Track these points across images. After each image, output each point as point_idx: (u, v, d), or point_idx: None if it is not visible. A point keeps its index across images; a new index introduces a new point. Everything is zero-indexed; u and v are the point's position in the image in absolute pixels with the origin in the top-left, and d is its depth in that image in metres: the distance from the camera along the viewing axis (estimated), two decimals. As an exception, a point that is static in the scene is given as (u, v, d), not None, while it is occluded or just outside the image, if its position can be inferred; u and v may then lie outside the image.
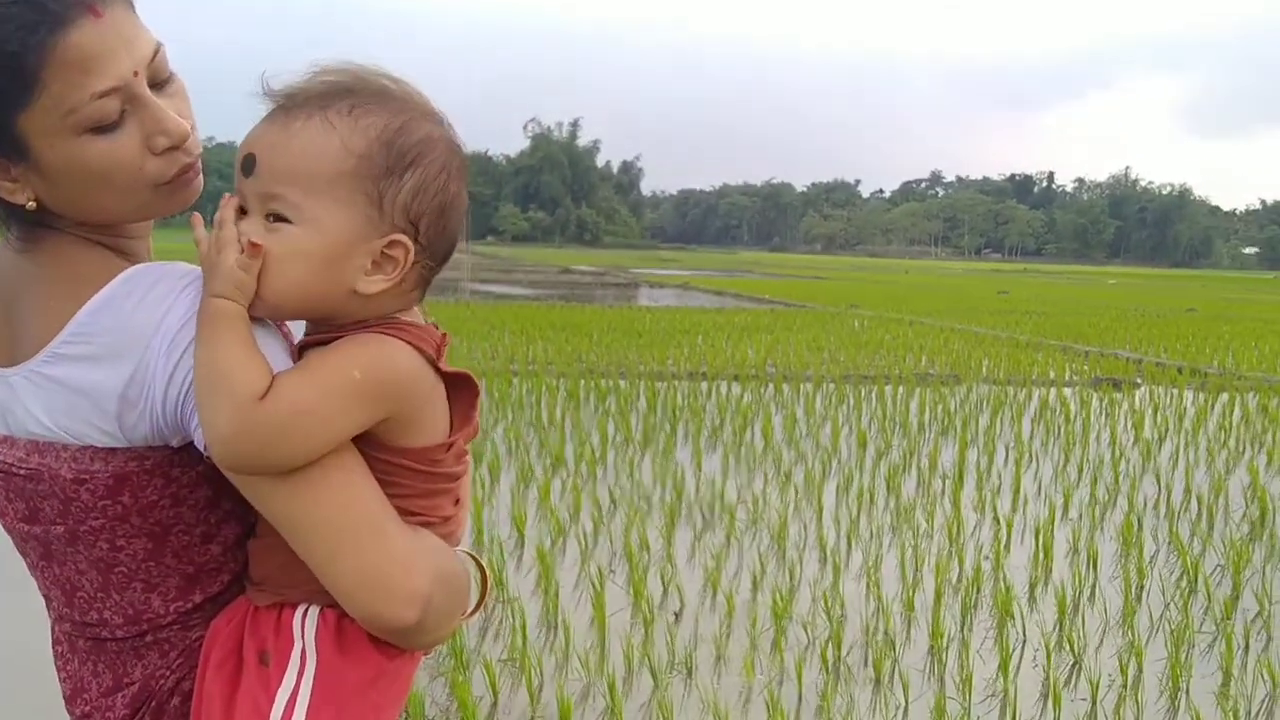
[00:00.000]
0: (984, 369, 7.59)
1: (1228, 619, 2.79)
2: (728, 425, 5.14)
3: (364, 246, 0.66)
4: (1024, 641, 2.61)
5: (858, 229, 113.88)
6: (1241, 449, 5.10)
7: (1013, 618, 2.72)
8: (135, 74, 0.63)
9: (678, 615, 2.73)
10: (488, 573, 0.82)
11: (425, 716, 2.09)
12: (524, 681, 2.25)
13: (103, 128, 0.63)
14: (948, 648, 2.54)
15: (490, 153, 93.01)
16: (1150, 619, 2.82)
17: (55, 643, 0.75)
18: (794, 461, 4.46)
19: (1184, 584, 3.10)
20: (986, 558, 3.24)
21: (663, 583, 2.94)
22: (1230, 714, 2.21)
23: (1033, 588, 3.05)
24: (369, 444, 0.66)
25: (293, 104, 0.65)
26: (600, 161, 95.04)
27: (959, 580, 3.04)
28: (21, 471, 0.67)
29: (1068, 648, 2.57)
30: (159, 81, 0.66)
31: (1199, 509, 3.95)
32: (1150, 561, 3.28)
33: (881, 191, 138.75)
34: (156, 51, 0.66)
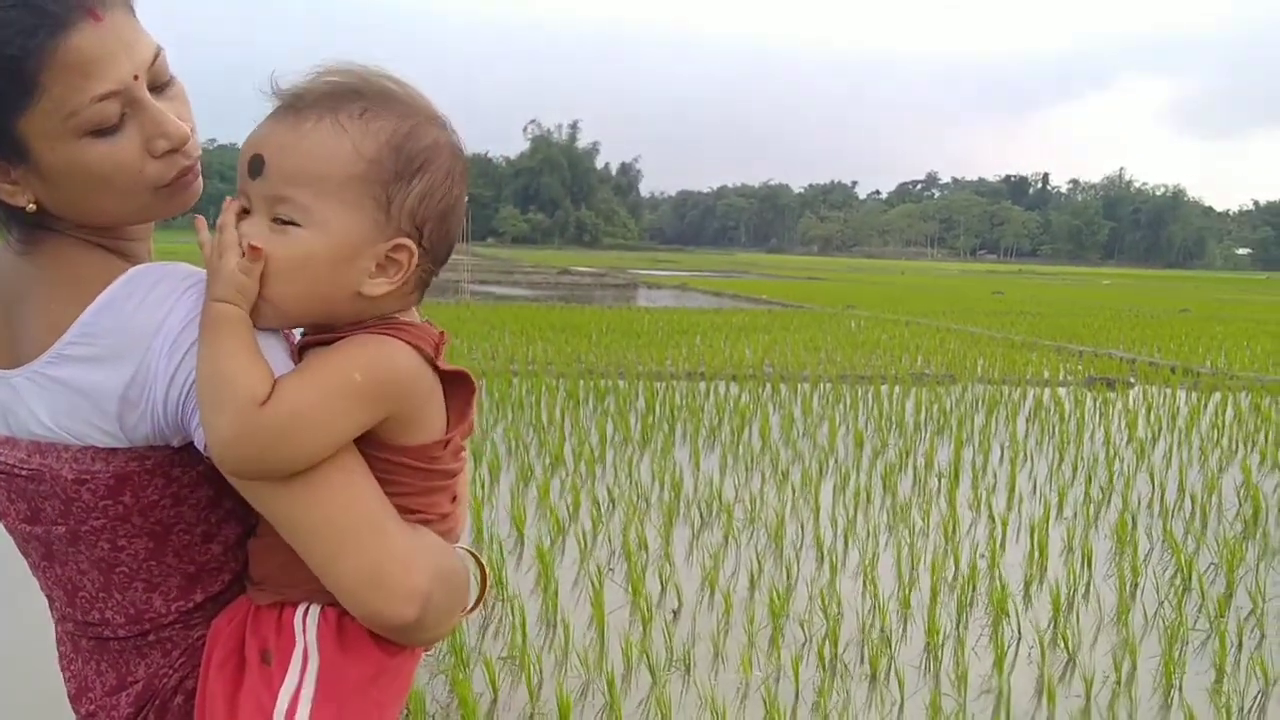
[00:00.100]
0: (979, 369, 7.61)
1: (1221, 616, 2.81)
2: (726, 425, 5.15)
3: (370, 250, 0.66)
4: (1019, 639, 2.62)
5: (854, 230, 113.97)
6: (1234, 448, 5.13)
7: (1008, 615, 2.74)
8: (135, 77, 0.64)
9: (676, 613, 2.74)
10: (487, 569, 0.82)
11: (426, 714, 2.09)
12: (524, 679, 2.25)
13: (103, 131, 0.63)
14: (943, 645, 2.55)
15: (490, 155, 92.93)
16: (1144, 616, 2.83)
17: (59, 643, 0.75)
18: (791, 461, 4.47)
19: (1178, 582, 3.12)
20: (982, 556, 3.25)
21: (661, 581, 2.95)
22: (1223, 711, 2.23)
23: (1028, 585, 3.07)
24: (368, 443, 0.67)
25: (301, 105, 0.65)
26: (599, 163, 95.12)
27: (955, 578, 3.05)
28: (23, 472, 0.68)
29: (1062, 645, 2.59)
30: (159, 85, 0.67)
31: (1193, 507, 3.97)
32: (1144, 559, 3.30)
33: (878, 193, 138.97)
34: (156, 55, 0.66)
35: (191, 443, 0.66)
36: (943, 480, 4.21)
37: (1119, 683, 2.38)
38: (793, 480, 4.12)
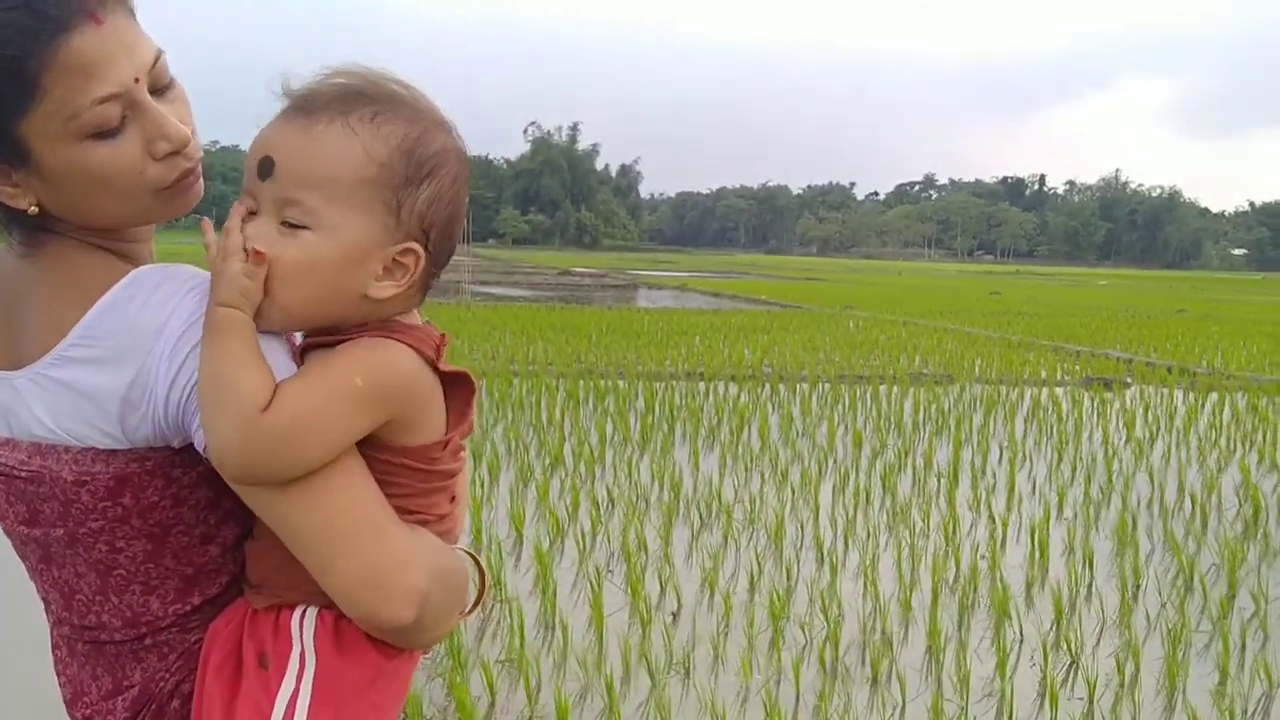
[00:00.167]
0: (977, 369, 7.62)
1: (1224, 618, 2.81)
2: (725, 425, 5.15)
3: (378, 254, 0.66)
4: (1021, 641, 2.62)
5: (852, 231, 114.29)
6: (1233, 448, 5.13)
7: (1009, 617, 2.73)
8: (136, 80, 0.64)
9: (675, 615, 2.73)
10: (485, 571, 0.82)
11: (423, 717, 2.08)
12: (522, 681, 2.24)
13: (104, 133, 0.63)
14: (945, 647, 2.54)
15: (491, 156, 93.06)
16: (1147, 618, 2.83)
17: (54, 646, 0.75)
18: (790, 461, 4.47)
19: (1180, 583, 3.12)
20: (983, 557, 3.24)
21: (660, 582, 2.94)
22: (1226, 713, 2.22)
23: (1029, 587, 3.06)
24: (367, 444, 0.67)
25: (311, 107, 0.65)
26: (599, 165, 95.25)
27: (955, 580, 3.04)
28: (23, 474, 0.67)
29: (1065, 647, 2.58)
30: (160, 87, 0.67)
31: (1193, 508, 3.97)
32: (1146, 561, 3.30)
33: (876, 194, 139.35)
34: (157, 58, 0.66)
35: (191, 444, 0.66)
36: (942, 480, 4.21)
37: (1122, 685, 2.37)
38: (792, 481, 4.12)
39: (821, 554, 3.23)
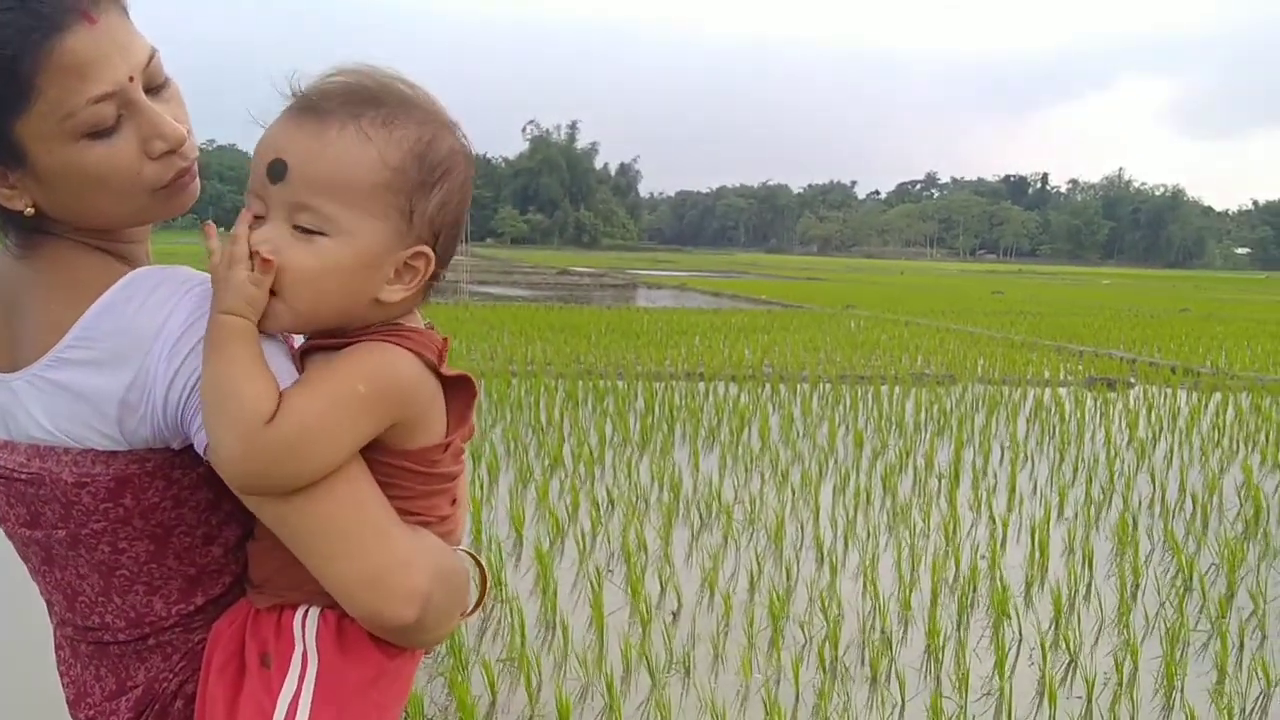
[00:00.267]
0: (979, 369, 7.61)
1: (1222, 617, 2.81)
2: (725, 425, 5.15)
3: (391, 258, 0.67)
4: (1020, 640, 2.62)
5: (854, 230, 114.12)
6: (1235, 448, 5.13)
7: (1009, 617, 2.74)
8: (131, 79, 0.64)
9: (675, 615, 2.74)
10: (486, 571, 0.82)
11: (424, 716, 2.09)
12: (522, 681, 2.25)
13: (99, 133, 0.63)
14: (944, 647, 2.54)
15: (489, 155, 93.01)
16: (1146, 618, 2.83)
17: (57, 648, 0.75)
18: (791, 461, 4.47)
19: (1179, 583, 3.12)
20: (983, 557, 3.25)
21: (660, 582, 2.94)
22: (1225, 712, 2.22)
23: (1029, 587, 3.06)
24: (369, 447, 0.67)
25: (320, 109, 0.65)
26: (598, 164, 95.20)
27: (955, 579, 3.05)
28: (23, 476, 0.68)
29: (1063, 646, 2.59)
30: (154, 87, 0.67)
31: (1194, 508, 3.97)
32: (1145, 560, 3.30)
33: (877, 193, 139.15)
34: (151, 57, 0.66)
35: (192, 445, 0.66)
36: (943, 481, 4.21)
37: (1120, 684, 2.38)
38: (792, 481, 4.12)
39: (821, 554, 3.23)
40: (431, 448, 0.69)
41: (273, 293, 0.65)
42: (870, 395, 6.18)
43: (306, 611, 0.69)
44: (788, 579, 3.02)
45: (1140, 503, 4.02)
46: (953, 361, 7.94)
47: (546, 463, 4.27)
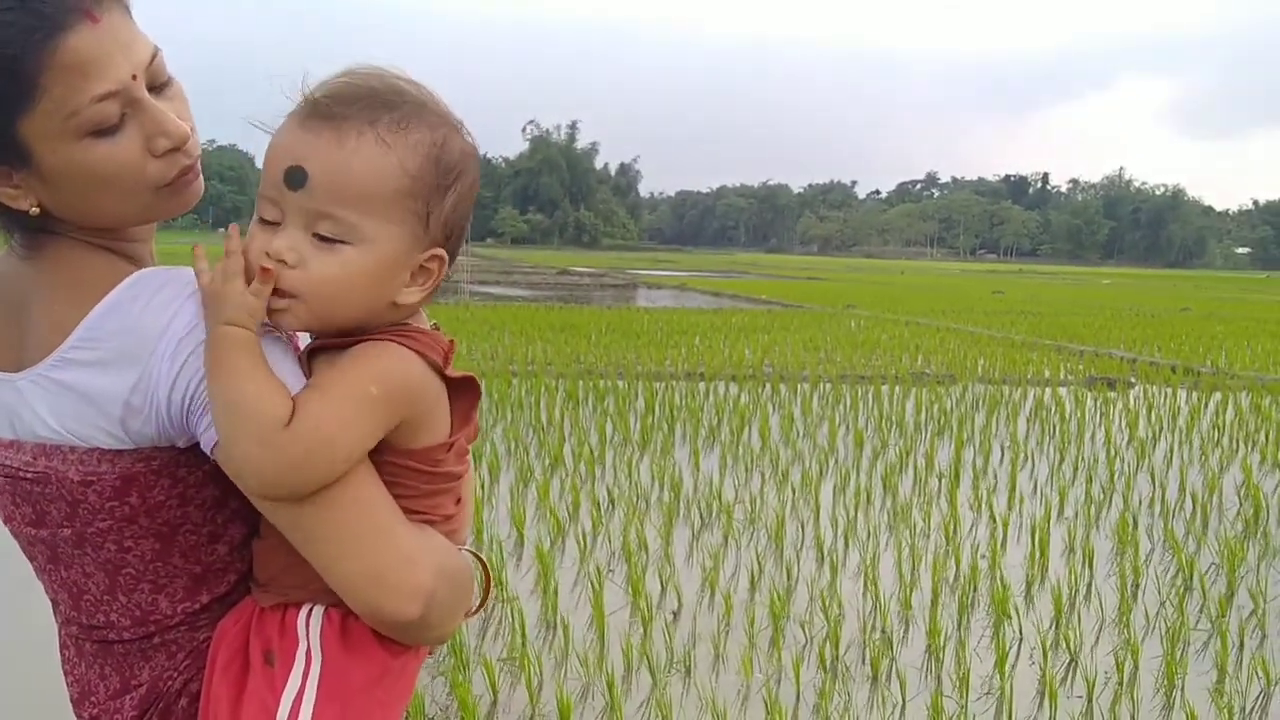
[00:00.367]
0: (980, 368, 7.61)
1: (1222, 617, 2.81)
2: (725, 425, 5.15)
3: (409, 261, 0.68)
4: (1020, 640, 2.62)
5: (854, 230, 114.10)
6: (1235, 447, 5.13)
7: (1009, 616, 2.74)
8: (134, 77, 0.64)
9: (676, 614, 2.74)
10: (490, 571, 0.82)
11: (425, 715, 2.09)
12: (523, 680, 2.25)
13: (103, 131, 0.63)
14: (945, 646, 2.55)
15: (489, 155, 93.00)
16: (1146, 617, 2.83)
17: (62, 646, 0.75)
18: (791, 461, 4.47)
19: (1179, 582, 3.12)
20: (983, 556, 3.25)
21: (661, 582, 2.95)
22: (1225, 711, 2.23)
23: (1029, 586, 3.07)
24: (374, 446, 0.67)
25: (335, 115, 0.65)
26: (598, 164, 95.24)
27: (956, 579, 3.05)
28: (29, 475, 0.68)
29: (1064, 646, 2.59)
30: (157, 85, 0.67)
31: (1193, 507, 3.97)
32: (1145, 560, 3.30)
33: (877, 192, 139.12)
34: (154, 56, 0.66)
35: (197, 444, 0.66)
36: (943, 480, 4.21)
37: (1121, 683, 2.38)
38: (793, 481, 4.12)
39: (822, 553, 3.24)
40: (435, 447, 0.70)
41: (292, 295, 0.65)
42: (870, 395, 6.18)
43: (311, 610, 0.69)
44: (788, 579, 3.02)
45: (1140, 502, 4.02)
46: (953, 361, 7.94)
47: (547, 462, 4.28)
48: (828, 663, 2.43)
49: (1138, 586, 3.07)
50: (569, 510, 3.60)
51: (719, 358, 7.67)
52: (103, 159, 0.64)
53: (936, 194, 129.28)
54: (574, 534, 3.36)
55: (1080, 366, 8.10)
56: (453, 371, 0.69)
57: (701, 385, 6.31)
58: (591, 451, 4.43)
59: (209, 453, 0.66)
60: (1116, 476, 4.40)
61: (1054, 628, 2.70)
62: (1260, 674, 2.45)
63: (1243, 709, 2.30)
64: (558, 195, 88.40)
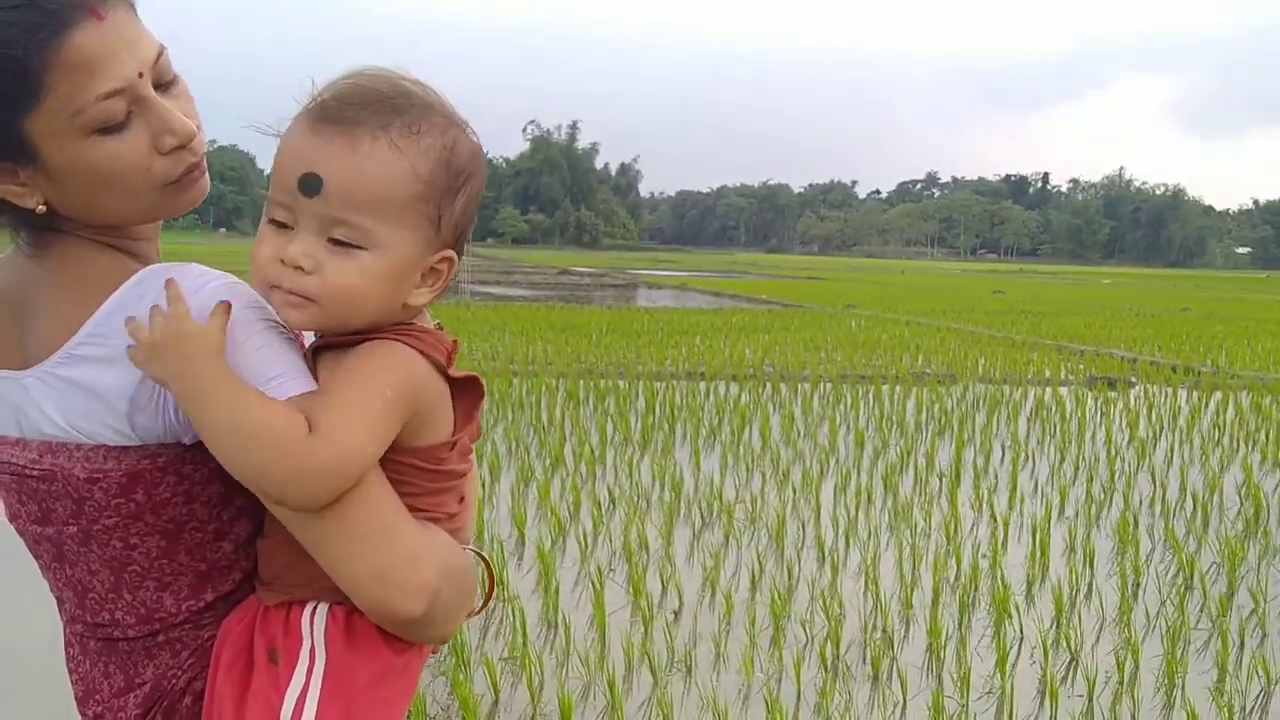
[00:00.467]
0: (980, 368, 7.61)
1: (1223, 616, 2.81)
2: (726, 425, 5.15)
3: (421, 265, 0.68)
4: (1021, 639, 2.62)
5: (854, 230, 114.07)
6: (1235, 447, 5.13)
7: (1010, 616, 2.74)
8: (140, 75, 0.64)
9: (677, 614, 2.74)
10: (493, 571, 0.83)
11: (426, 715, 2.09)
12: (525, 680, 2.26)
13: (109, 128, 0.64)
14: (945, 645, 2.55)
15: (490, 155, 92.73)
16: (1146, 616, 2.83)
17: (67, 645, 0.76)
18: (792, 461, 4.47)
19: (1180, 581, 3.12)
20: (984, 556, 3.25)
21: (662, 581, 2.95)
22: (1225, 710, 2.23)
23: (1030, 586, 3.07)
24: None
25: (346, 121, 0.65)
26: (599, 164, 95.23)
27: (956, 578, 3.05)
28: (34, 473, 0.68)
29: (1065, 645, 2.59)
30: (163, 83, 0.67)
31: (1194, 507, 3.97)
32: (1146, 559, 3.30)
33: (878, 192, 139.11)
34: (160, 54, 0.67)
35: (202, 441, 0.66)
36: (944, 480, 4.21)
37: (1121, 682, 2.38)
38: (793, 480, 4.12)
39: (823, 553, 3.24)
40: (439, 445, 0.70)
41: (307, 299, 0.65)
42: (871, 395, 6.18)
43: (315, 608, 0.70)
44: (789, 578, 3.02)
45: (1141, 502, 4.02)
46: (954, 361, 7.94)
47: (548, 462, 4.28)
48: (829, 662, 2.43)
49: (1138, 586, 3.07)
50: (570, 510, 3.60)
51: (719, 357, 7.66)
52: (109, 156, 0.64)
53: (937, 194, 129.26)
54: (575, 533, 3.36)
55: (1081, 366, 8.10)
56: (455, 372, 0.70)
57: (702, 385, 6.31)
58: (592, 451, 4.43)
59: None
60: (1117, 476, 4.40)
61: (1055, 627, 2.70)
62: (1261, 673, 2.45)
63: (1243, 708, 2.30)
64: (558, 195, 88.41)
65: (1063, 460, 4.69)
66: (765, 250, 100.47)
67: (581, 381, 6.15)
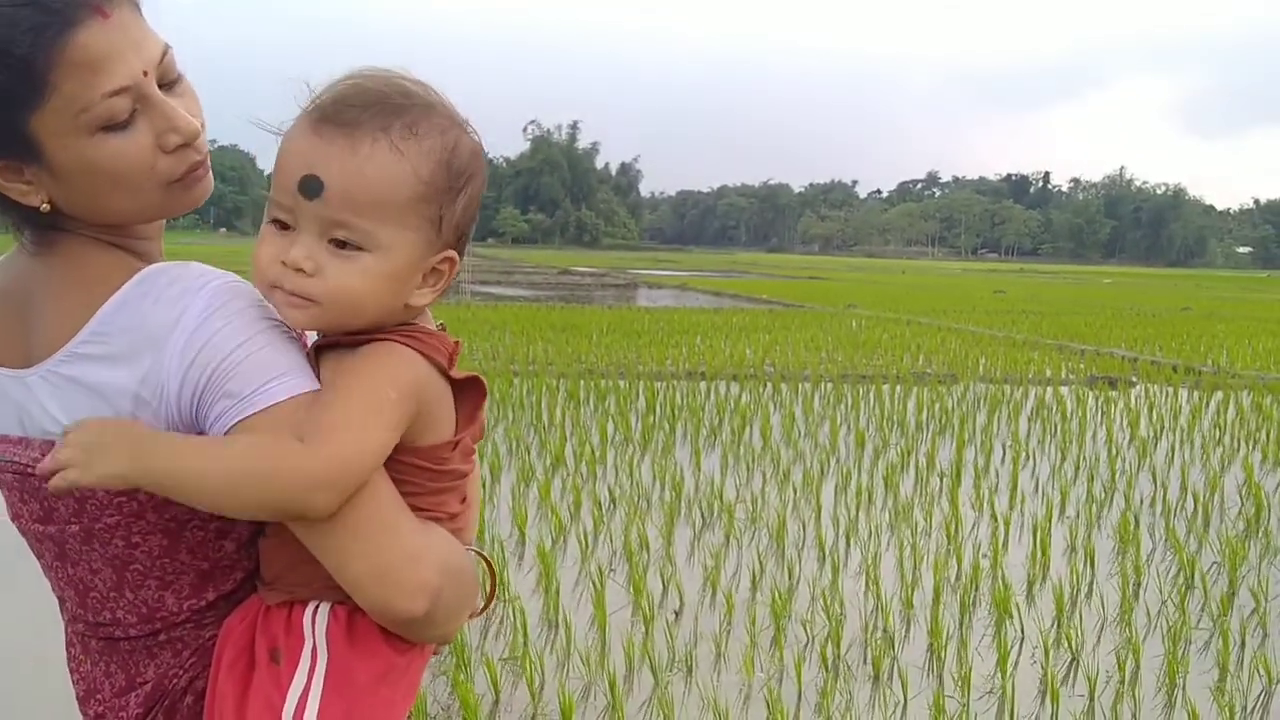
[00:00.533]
0: (981, 368, 7.61)
1: (1224, 615, 2.81)
2: (726, 425, 5.16)
3: (423, 266, 0.68)
4: (1022, 639, 2.63)
5: (855, 229, 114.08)
6: (1236, 446, 5.13)
7: (1011, 615, 2.74)
8: (144, 74, 0.64)
9: (678, 614, 2.74)
10: (495, 571, 0.83)
11: (427, 715, 2.10)
12: (525, 680, 2.26)
13: (114, 127, 0.64)
14: (946, 645, 2.55)
15: (490, 155, 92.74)
16: (1147, 616, 2.83)
17: (68, 644, 0.76)
18: (792, 460, 4.48)
19: (1180, 581, 3.12)
20: (985, 556, 3.25)
21: (663, 581, 2.95)
22: (1226, 709, 2.23)
23: (1031, 585, 3.07)
24: None
25: (345, 120, 0.65)
26: (599, 163, 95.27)
27: (957, 578, 3.05)
28: (37, 472, 0.68)
29: (1065, 645, 2.59)
30: (168, 82, 0.67)
31: (1195, 506, 3.97)
32: (1147, 559, 3.30)
33: (878, 192, 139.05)
34: (165, 53, 0.67)
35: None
36: (945, 480, 4.21)
37: (1123, 683, 2.38)
38: (794, 480, 4.12)
39: (823, 553, 3.24)
40: (441, 445, 0.70)
41: (309, 300, 0.66)
42: (872, 394, 6.18)
43: (317, 607, 0.70)
44: (790, 578, 3.03)
45: (1142, 501, 4.02)
46: (954, 360, 7.94)
47: (548, 462, 4.28)
48: (829, 662, 2.43)
49: (1139, 585, 3.07)
50: (570, 510, 3.61)
51: (720, 357, 7.66)
52: (113, 155, 0.64)
53: (938, 193, 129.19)
54: (575, 533, 3.36)
55: (1081, 366, 8.09)
56: (456, 373, 0.70)
57: (703, 385, 6.31)
58: (593, 451, 4.43)
59: None
60: (1118, 475, 4.40)
61: (1055, 627, 2.70)
62: (1262, 673, 2.45)
63: (1244, 708, 2.30)
64: (559, 195, 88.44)
65: (1063, 460, 4.68)
66: (766, 250, 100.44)
67: (582, 381, 6.15)
